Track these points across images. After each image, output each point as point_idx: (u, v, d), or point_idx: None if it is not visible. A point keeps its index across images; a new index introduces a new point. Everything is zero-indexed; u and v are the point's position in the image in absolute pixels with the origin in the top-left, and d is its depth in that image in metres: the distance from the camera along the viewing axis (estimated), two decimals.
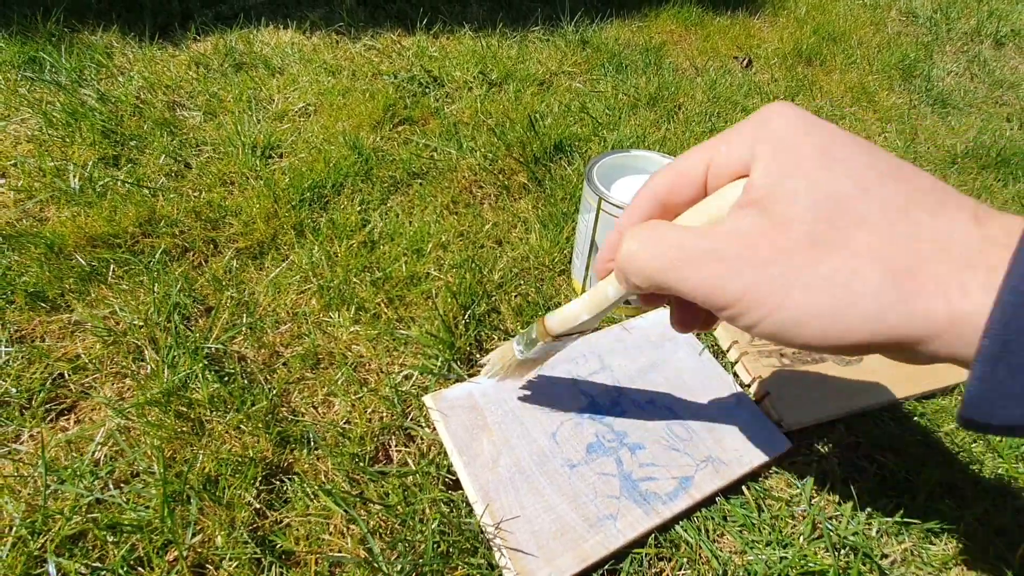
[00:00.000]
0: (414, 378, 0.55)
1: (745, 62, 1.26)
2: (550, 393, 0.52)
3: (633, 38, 1.31)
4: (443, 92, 1.05)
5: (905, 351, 0.23)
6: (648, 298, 0.35)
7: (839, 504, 0.49)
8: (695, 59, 1.25)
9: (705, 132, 0.98)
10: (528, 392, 0.51)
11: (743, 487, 0.48)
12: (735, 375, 0.57)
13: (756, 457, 0.49)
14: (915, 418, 0.55)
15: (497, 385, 0.52)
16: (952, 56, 1.41)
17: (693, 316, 0.35)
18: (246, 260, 0.67)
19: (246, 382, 0.53)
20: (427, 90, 1.04)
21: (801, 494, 0.49)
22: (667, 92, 1.09)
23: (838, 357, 0.58)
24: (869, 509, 0.48)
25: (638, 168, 0.64)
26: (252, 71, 1.06)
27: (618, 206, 0.55)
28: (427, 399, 0.50)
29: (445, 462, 0.48)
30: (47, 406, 0.51)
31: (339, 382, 0.54)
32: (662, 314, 0.61)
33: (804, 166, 0.24)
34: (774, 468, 0.51)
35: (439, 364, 0.55)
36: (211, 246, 0.69)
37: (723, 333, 0.60)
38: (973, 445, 0.54)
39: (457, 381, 0.53)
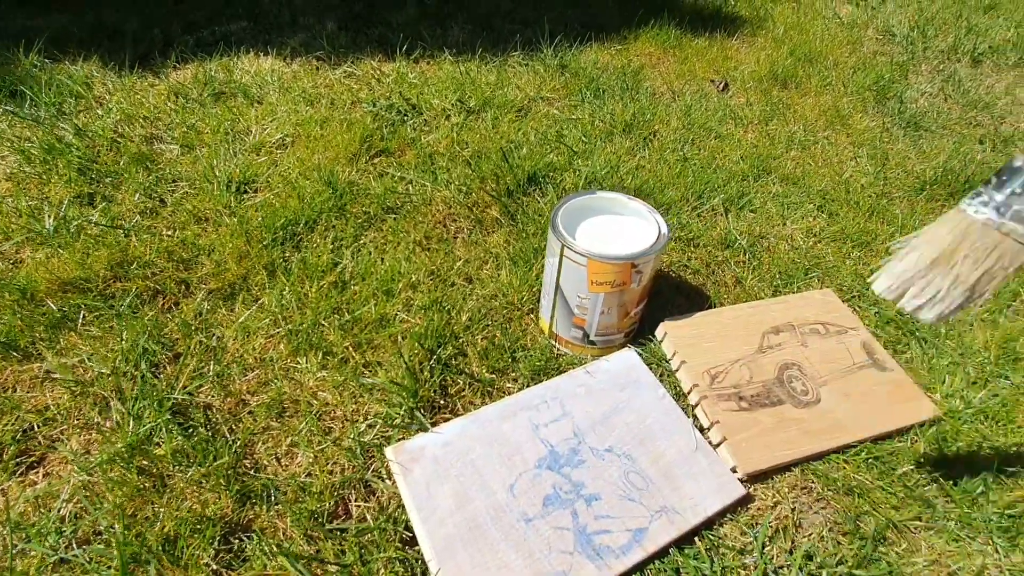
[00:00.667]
0: (378, 427, 0.56)
1: (721, 85, 1.27)
2: (511, 442, 0.53)
3: (612, 61, 1.32)
4: (421, 120, 1.06)
5: None
6: None
7: (790, 553, 0.50)
8: (672, 82, 1.27)
9: (678, 160, 0.99)
10: (490, 442, 0.52)
11: (696, 537, 0.49)
12: (695, 418, 0.58)
13: (711, 505, 0.50)
14: (870, 460, 0.57)
15: (460, 434, 0.53)
16: (927, 76, 1.43)
17: None
18: (217, 302, 0.68)
19: (210, 434, 0.54)
20: (405, 118, 1.05)
21: (754, 542, 0.50)
22: (643, 119, 1.10)
23: (795, 400, 0.59)
24: (819, 558, 0.49)
25: (604, 209, 0.65)
26: (231, 101, 1.07)
27: (581, 254, 0.56)
28: (388, 451, 0.51)
29: (403, 517, 0.48)
30: (17, 459, 0.52)
31: (303, 432, 0.55)
32: (627, 356, 0.62)
33: None
34: (729, 515, 0.52)
35: (402, 413, 0.56)
36: (183, 288, 0.69)
37: (685, 376, 0.61)
38: (926, 489, 0.55)
39: (420, 430, 0.54)
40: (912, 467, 0.56)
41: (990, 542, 0.52)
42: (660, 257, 0.61)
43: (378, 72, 1.19)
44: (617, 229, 0.63)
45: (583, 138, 1.04)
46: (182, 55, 1.17)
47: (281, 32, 1.31)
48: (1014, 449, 0.59)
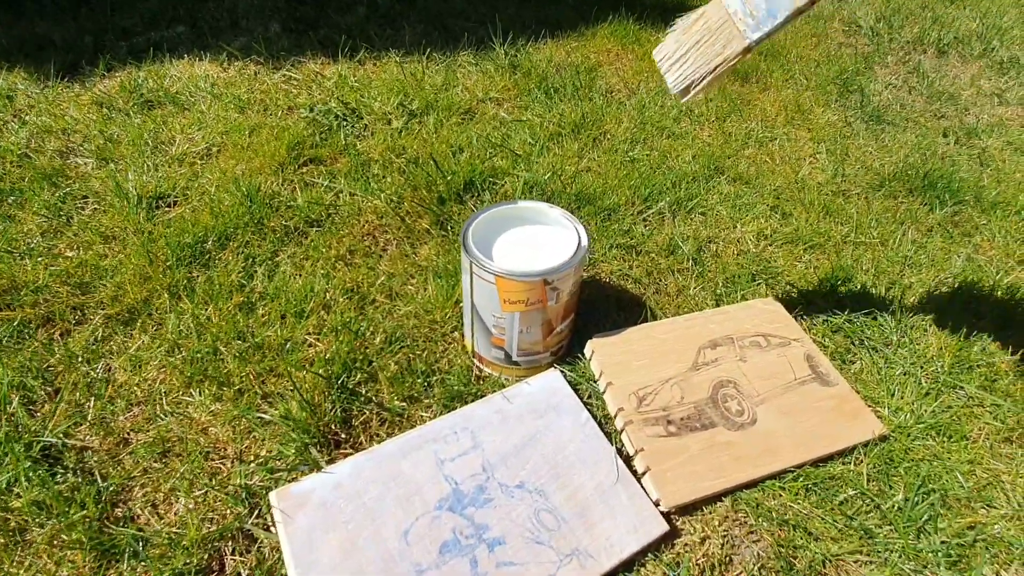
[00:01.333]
0: (269, 467, 0.51)
1: None
2: (411, 481, 0.48)
3: (567, 59, 1.27)
4: (362, 125, 1.01)
5: None
6: None
7: None
8: (629, 80, 1.22)
9: (626, 162, 0.95)
10: (387, 481, 0.48)
11: None
12: (620, 446, 0.54)
13: (628, 545, 0.46)
14: (808, 487, 0.52)
15: (354, 474, 0.48)
16: (892, 68, 1.40)
17: None
18: (115, 328, 0.63)
19: (79, 480, 0.49)
20: (343, 124, 1.00)
21: None
22: (593, 118, 1.05)
23: (729, 422, 0.54)
24: None
25: (526, 219, 0.61)
26: (159, 109, 1.01)
27: (489, 271, 0.52)
28: (272, 496, 0.46)
29: (283, 571, 0.44)
30: None
31: (183, 475, 0.50)
32: (550, 378, 0.58)
33: None
34: (652, 553, 0.47)
35: (293, 452, 0.51)
36: (78, 313, 0.64)
37: (610, 399, 0.56)
38: (867, 517, 0.51)
39: (315, 469, 0.49)
40: (854, 492, 0.52)
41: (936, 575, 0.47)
42: (581, 270, 0.56)
43: (319, 76, 1.14)
44: (538, 241, 0.58)
45: (530, 140, 0.99)
46: (112, 63, 1.11)
47: (220, 36, 1.26)
48: (967, 468, 0.55)
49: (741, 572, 0.47)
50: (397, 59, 1.20)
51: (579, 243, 0.55)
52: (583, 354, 0.62)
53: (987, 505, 0.53)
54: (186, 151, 0.90)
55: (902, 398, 0.61)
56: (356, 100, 1.05)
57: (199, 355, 0.59)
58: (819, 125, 1.13)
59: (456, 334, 0.64)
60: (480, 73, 1.19)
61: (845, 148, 1.06)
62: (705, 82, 0.40)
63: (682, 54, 0.40)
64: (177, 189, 0.82)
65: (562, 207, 0.78)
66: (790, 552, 0.48)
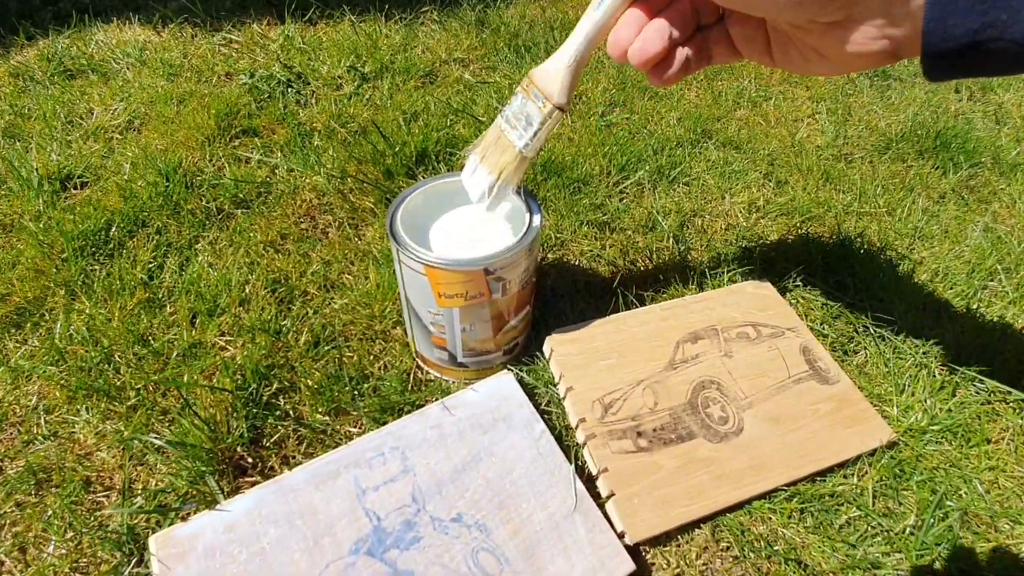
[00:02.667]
0: (157, 500, 0.42)
1: None
2: (323, 518, 0.40)
3: (542, 15, 1.15)
4: (309, 91, 0.90)
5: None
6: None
7: None
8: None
9: (603, 127, 0.84)
10: (291, 520, 0.39)
11: None
12: (582, 464, 0.46)
13: None
14: (803, 508, 0.44)
15: (252, 512, 0.39)
16: None
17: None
18: (1, 333, 0.54)
19: None
20: (288, 90, 0.89)
21: None
22: None
23: (711, 432, 0.46)
24: None
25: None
26: (82, 78, 0.90)
27: (417, 260, 0.42)
28: (152, 542, 0.38)
29: None
30: None
31: (57, 514, 0.41)
32: (501, 382, 0.49)
33: None
34: None
35: (185, 484, 0.42)
36: None
37: (571, 407, 0.48)
38: (872, 543, 0.43)
39: (208, 506, 0.41)
40: (857, 514, 0.44)
41: None
42: (534, 255, 0.47)
43: (264, 38, 1.02)
44: (484, 222, 0.49)
45: (497, 105, 0.89)
46: (33, 31, 0.99)
47: None
48: (989, 477, 0.47)
49: None
50: (352, 18, 1.08)
51: (529, 223, 0.46)
52: (543, 352, 0.53)
53: (1013, 521, 0.45)
54: (104, 125, 0.79)
55: (913, 395, 0.52)
56: (303, 64, 0.94)
57: (87, 365, 0.50)
58: (818, 82, 1.02)
59: (398, 330, 0.56)
60: (444, 31, 1.07)
61: (847, 107, 0.95)
62: (496, 189, 0.45)
63: (474, 168, 0.46)
64: (88, 169, 0.72)
65: (525, 178, 0.69)
66: None
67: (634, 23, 0.35)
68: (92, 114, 0.82)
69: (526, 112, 0.41)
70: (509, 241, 0.44)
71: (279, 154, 0.76)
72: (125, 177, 0.70)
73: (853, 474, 0.46)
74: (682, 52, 0.35)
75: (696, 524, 0.43)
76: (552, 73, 0.39)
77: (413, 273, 0.44)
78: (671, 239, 0.67)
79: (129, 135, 0.79)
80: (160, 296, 0.57)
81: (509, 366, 0.52)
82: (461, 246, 0.46)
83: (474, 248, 0.45)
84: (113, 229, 0.62)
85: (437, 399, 0.48)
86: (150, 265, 0.60)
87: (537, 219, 0.46)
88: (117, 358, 0.51)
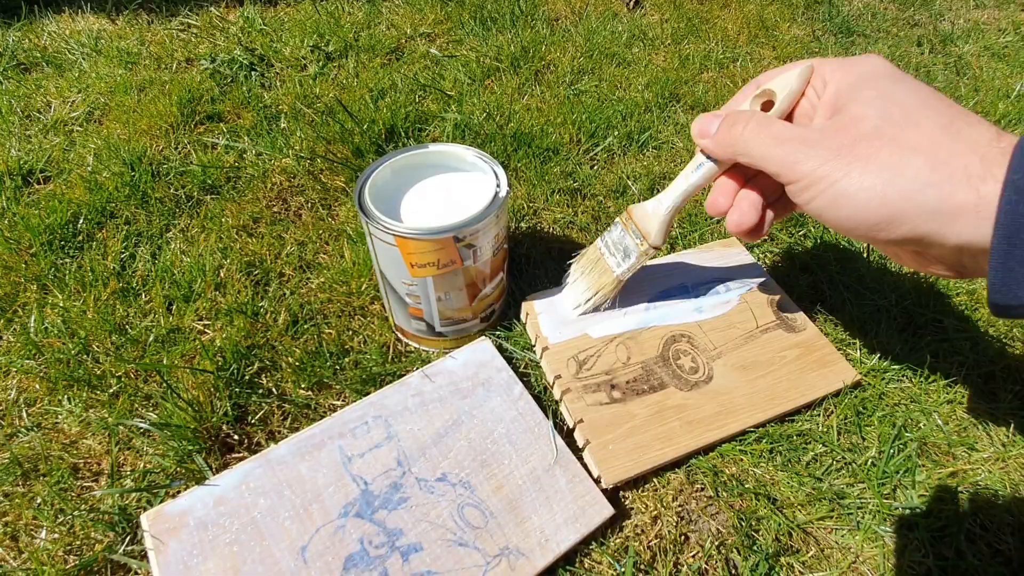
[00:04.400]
0: (147, 481, 0.43)
1: (632, 2, 1.11)
2: (310, 486, 0.41)
3: None
4: (272, 73, 0.89)
5: (932, 236, 0.28)
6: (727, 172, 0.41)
7: None
8: (576, 4, 1.10)
9: (572, 96, 0.85)
10: (280, 490, 0.40)
11: None
12: (561, 422, 0.47)
13: (565, 538, 0.39)
14: (772, 447, 0.46)
15: (240, 485, 0.40)
16: None
17: (753, 200, 0.39)
18: None
19: None
20: (251, 73, 0.88)
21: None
22: (535, 50, 0.94)
23: (681, 381, 0.48)
24: None
25: (439, 166, 0.51)
26: (36, 72, 0.88)
27: (387, 231, 0.43)
28: (144, 519, 0.39)
29: None
30: None
31: (46, 501, 0.42)
32: (479, 349, 0.50)
33: (879, 83, 0.31)
34: (599, 539, 0.41)
35: (173, 463, 0.43)
36: None
37: (547, 365, 0.49)
38: (838, 476, 0.45)
39: (199, 482, 0.42)
40: (823, 449, 0.46)
41: (913, 536, 0.42)
42: (504, 221, 0.48)
43: (223, 20, 1.00)
44: (453, 192, 0.49)
45: (466, 79, 0.88)
46: None
47: None
48: (946, 409, 0.50)
49: (697, 553, 0.41)
50: None
51: (497, 191, 0.46)
52: (520, 317, 0.55)
53: (970, 448, 0.47)
54: (63, 117, 0.78)
55: (876, 337, 0.55)
56: (265, 46, 0.93)
57: (66, 356, 0.50)
58: (784, 41, 1.03)
59: (376, 305, 0.56)
60: (408, 6, 1.06)
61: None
62: (592, 303, 0.51)
63: (575, 280, 0.52)
64: (50, 162, 0.71)
65: (496, 149, 0.69)
66: (752, 525, 0.42)
67: (729, 191, 0.40)
68: (50, 107, 0.80)
69: (624, 244, 0.47)
70: (475, 209, 0.45)
71: (246, 138, 0.75)
72: (89, 169, 0.69)
73: (820, 414, 0.48)
74: (769, 215, 0.39)
75: (671, 468, 0.45)
76: (652, 217, 0.45)
77: (384, 245, 0.45)
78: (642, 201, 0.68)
79: (90, 126, 0.77)
80: (134, 285, 0.56)
81: (487, 333, 0.53)
82: (432, 216, 0.47)
83: (445, 218, 0.45)
84: (81, 222, 0.62)
85: (417, 368, 0.49)
86: (122, 255, 0.59)
87: (505, 186, 0.47)
88: (95, 348, 0.51)
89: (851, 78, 0.32)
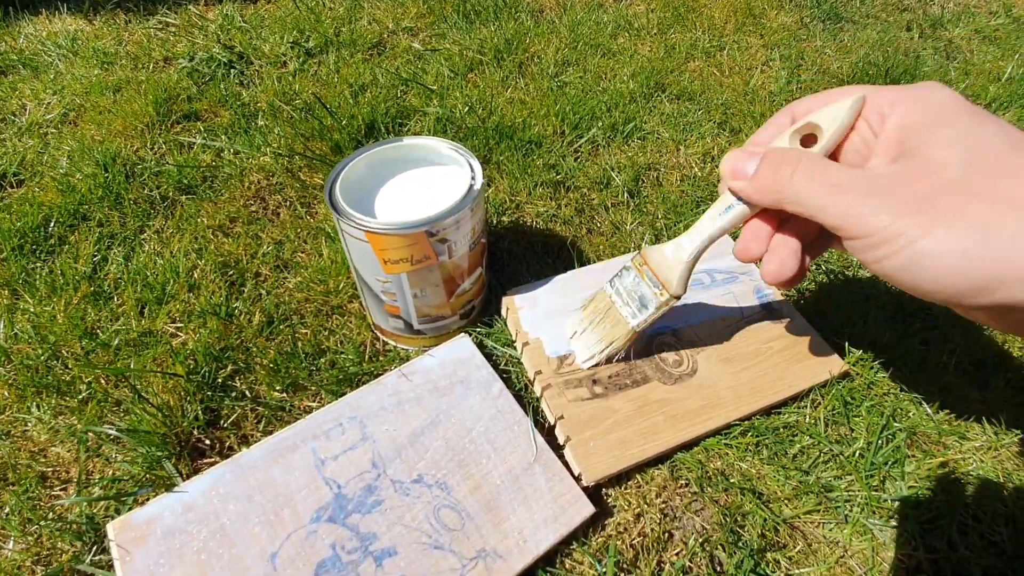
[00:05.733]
0: (116, 488, 0.42)
1: None
2: (282, 491, 0.40)
3: None
4: (252, 71, 0.87)
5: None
6: (760, 215, 0.35)
7: None
8: None
9: (556, 87, 0.83)
10: (250, 496, 0.39)
11: None
12: (542, 419, 0.46)
13: (545, 537, 0.38)
14: (758, 441, 0.45)
15: (209, 491, 0.39)
16: None
17: (793, 249, 0.34)
18: None
19: None
20: (229, 72, 0.86)
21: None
22: (519, 42, 0.93)
23: (665, 375, 0.47)
24: None
25: (415, 160, 0.50)
26: (12, 75, 0.86)
27: (359, 227, 0.42)
28: (110, 528, 0.38)
29: None
30: None
31: (12, 511, 0.41)
32: (458, 346, 0.49)
33: (958, 120, 0.26)
34: (581, 539, 0.40)
35: (142, 470, 0.42)
36: None
37: (527, 361, 0.48)
38: (825, 468, 0.44)
39: (168, 489, 0.41)
40: (810, 442, 0.45)
41: (904, 528, 0.41)
42: (480, 215, 0.46)
43: (202, 18, 0.99)
44: (428, 186, 0.48)
45: (450, 73, 0.87)
46: None
47: None
48: (937, 398, 0.48)
49: (681, 550, 0.40)
50: None
51: (471, 183, 0.45)
52: (501, 313, 0.53)
53: (961, 438, 0.46)
54: (38, 120, 0.76)
55: (864, 326, 0.53)
56: (244, 43, 0.91)
57: (35, 363, 0.49)
58: (772, 29, 1.01)
59: (355, 304, 0.55)
60: (390, 1, 1.04)
61: (800, 52, 0.95)
62: (605, 354, 0.46)
63: (583, 330, 0.47)
64: (24, 165, 0.69)
65: (478, 143, 0.68)
66: (737, 520, 0.41)
67: (763, 236, 0.34)
68: (25, 110, 0.78)
69: (640, 292, 0.42)
70: (448, 203, 0.44)
71: (224, 137, 0.74)
72: (62, 171, 0.67)
73: (806, 405, 0.47)
74: (808, 261, 0.34)
75: (655, 464, 0.44)
76: (672, 263, 0.40)
77: (356, 241, 0.43)
78: (625, 193, 0.66)
79: (65, 128, 0.76)
80: (106, 288, 0.55)
81: (468, 330, 0.52)
82: (406, 211, 0.46)
83: (419, 212, 0.44)
84: (52, 225, 0.60)
85: (395, 368, 0.48)
86: (94, 258, 0.58)
87: (480, 178, 0.45)
88: (65, 353, 0.50)
89: (920, 114, 0.28)
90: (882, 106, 0.29)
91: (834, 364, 0.48)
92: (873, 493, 0.42)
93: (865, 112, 0.30)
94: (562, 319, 0.50)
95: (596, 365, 0.47)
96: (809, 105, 0.33)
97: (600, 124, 0.76)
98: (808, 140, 0.32)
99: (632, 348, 0.47)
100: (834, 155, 0.32)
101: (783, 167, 0.30)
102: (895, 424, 0.46)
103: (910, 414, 0.47)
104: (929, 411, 0.47)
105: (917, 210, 0.25)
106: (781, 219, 0.34)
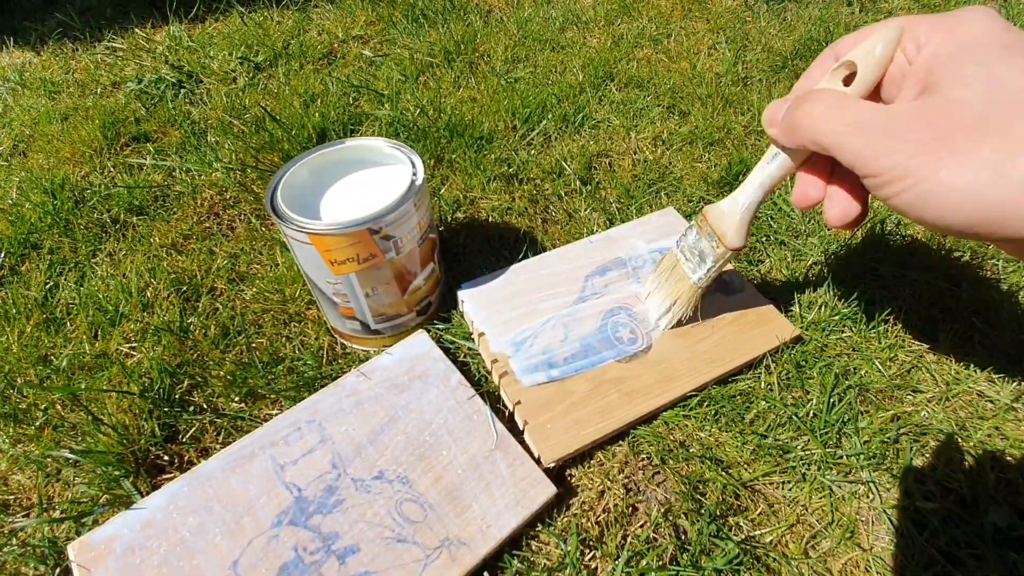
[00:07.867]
0: (76, 511, 0.41)
1: None
2: (241, 500, 0.39)
3: None
4: (203, 88, 0.87)
5: None
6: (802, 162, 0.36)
7: (615, 558, 0.39)
8: None
9: (507, 84, 0.84)
10: (209, 507, 0.39)
11: (499, 563, 0.38)
12: (501, 404, 0.46)
13: (508, 521, 0.39)
14: (715, 410, 0.46)
15: (167, 506, 0.39)
16: None
17: (823, 187, 0.34)
18: None
19: None
20: (179, 91, 0.86)
21: (567, 557, 0.39)
22: (469, 42, 0.93)
23: (619, 352, 0.47)
24: (653, 554, 0.39)
25: (358, 162, 0.50)
26: None
27: (301, 230, 0.42)
28: (70, 549, 0.37)
29: None
30: None
31: None
32: (416, 342, 0.49)
33: (987, 54, 0.25)
34: (545, 520, 0.41)
35: (100, 491, 0.42)
36: None
37: (484, 350, 0.48)
38: (781, 431, 0.45)
39: (128, 507, 0.40)
40: (766, 405, 0.46)
41: (859, 483, 0.42)
42: (425, 210, 0.47)
43: (149, 41, 0.98)
44: (373, 186, 0.48)
45: (401, 77, 0.87)
46: None
47: (31, 17, 1.07)
48: (887, 355, 0.50)
49: (645, 522, 0.41)
50: (240, 8, 1.04)
51: (412, 180, 0.45)
52: (459, 307, 0.54)
53: (912, 391, 0.48)
54: None
55: (814, 291, 0.55)
56: (192, 62, 0.91)
57: None
58: (717, 13, 1.03)
59: (312, 310, 0.55)
60: (338, 10, 1.04)
61: (745, 33, 0.97)
62: (672, 313, 0.48)
63: (654, 289, 0.50)
64: None
65: (429, 143, 0.68)
66: (698, 488, 0.42)
67: (819, 182, 0.34)
68: None
69: (700, 248, 0.43)
70: (389, 200, 0.44)
71: (175, 156, 0.73)
72: (11, 202, 0.66)
73: (761, 372, 0.48)
74: (868, 197, 0.33)
75: (616, 441, 0.44)
76: (727, 216, 0.41)
77: (301, 245, 0.44)
78: (578, 181, 0.67)
79: (15, 160, 0.75)
80: (58, 315, 0.55)
81: (426, 326, 0.52)
82: (342, 212, 0.46)
83: (349, 213, 0.44)
84: (3, 256, 0.60)
85: (343, 376, 0.48)
86: (46, 285, 0.57)
87: (420, 174, 0.46)
88: (20, 381, 0.49)
89: (951, 45, 0.27)
90: (919, 34, 0.29)
91: (785, 330, 0.49)
92: (828, 451, 0.43)
93: (903, 42, 0.30)
94: (512, 309, 0.50)
95: (669, 326, 0.49)
96: (851, 42, 0.32)
97: (551, 116, 0.77)
98: (849, 79, 0.32)
99: (699, 306, 0.48)
100: (876, 89, 0.32)
101: (802, 108, 0.31)
102: (846, 382, 0.47)
103: (861, 372, 0.48)
104: (880, 368, 0.49)
105: (932, 149, 0.25)
106: (833, 162, 0.34)
